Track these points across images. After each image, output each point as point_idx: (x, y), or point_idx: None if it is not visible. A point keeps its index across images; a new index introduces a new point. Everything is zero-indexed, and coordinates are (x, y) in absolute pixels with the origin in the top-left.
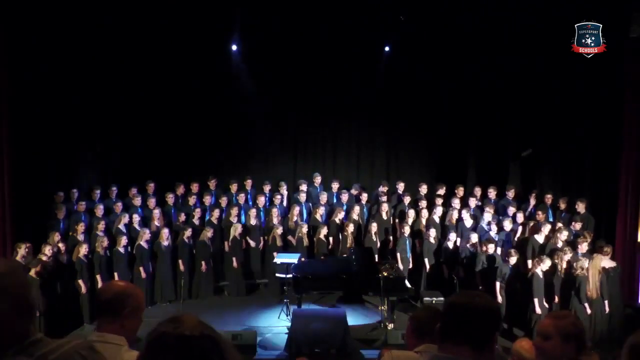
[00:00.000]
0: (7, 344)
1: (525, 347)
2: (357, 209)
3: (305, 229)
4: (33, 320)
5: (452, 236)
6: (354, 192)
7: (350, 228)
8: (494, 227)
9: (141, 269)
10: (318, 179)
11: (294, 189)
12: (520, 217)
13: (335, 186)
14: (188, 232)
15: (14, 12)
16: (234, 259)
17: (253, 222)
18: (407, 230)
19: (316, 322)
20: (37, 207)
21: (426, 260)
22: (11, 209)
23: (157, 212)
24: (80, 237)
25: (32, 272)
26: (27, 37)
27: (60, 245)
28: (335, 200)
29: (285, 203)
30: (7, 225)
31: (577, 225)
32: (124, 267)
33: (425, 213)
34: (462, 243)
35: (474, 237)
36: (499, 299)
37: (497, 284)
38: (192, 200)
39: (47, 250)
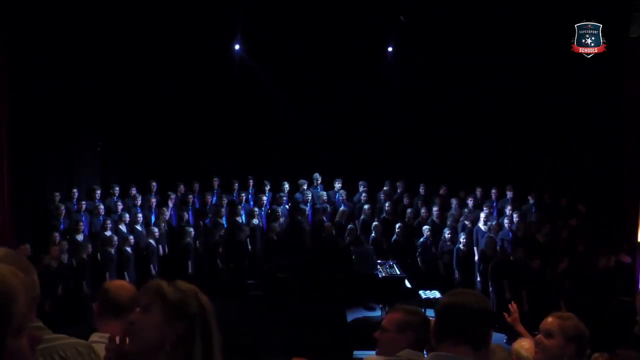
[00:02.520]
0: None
1: (525, 347)
2: (366, 208)
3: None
4: (34, 305)
5: (462, 237)
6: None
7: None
8: (493, 227)
9: (151, 267)
10: (319, 179)
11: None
12: (518, 217)
13: (337, 185)
14: (221, 231)
15: (15, 11)
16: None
17: (255, 221)
18: (426, 231)
19: (315, 323)
20: (37, 207)
21: (440, 261)
22: (11, 209)
23: (165, 211)
24: (80, 237)
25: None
26: (28, 36)
27: (64, 244)
28: (337, 200)
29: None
30: (7, 226)
31: (574, 221)
32: (132, 267)
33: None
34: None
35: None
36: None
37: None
38: (191, 199)
39: (53, 250)
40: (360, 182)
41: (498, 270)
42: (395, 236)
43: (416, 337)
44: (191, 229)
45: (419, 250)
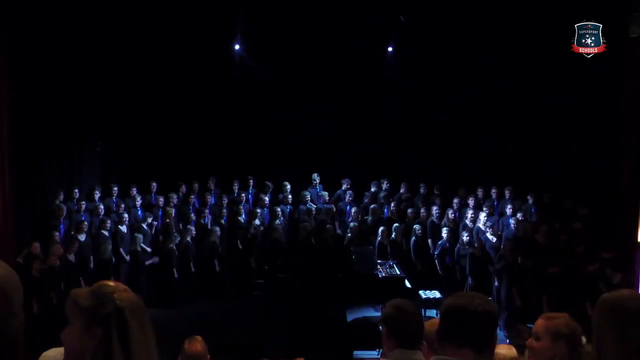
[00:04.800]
0: None
1: (506, 348)
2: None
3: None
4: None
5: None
6: None
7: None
8: (493, 228)
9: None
10: (317, 179)
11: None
12: (519, 217)
13: (344, 186)
14: (251, 231)
15: (15, 12)
16: None
17: (257, 222)
18: (445, 233)
19: (315, 323)
20: (38, 207)
21: (457, 266)
22: (11, 209)
23: (172, 211)
24: (82, 237)
25: (36, 272)
26: (28, 36)
27: (75, 245)
28: (341, 200)
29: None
30: (8, 226)
31: (577, 225)
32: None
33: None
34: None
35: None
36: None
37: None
38: (192, 200)
39: (55, 249)
40: (373, 182)
41: (509, 274)
42: (414, 237)
43: (392, 331)
44: (217, 228)
45: (436, 253)
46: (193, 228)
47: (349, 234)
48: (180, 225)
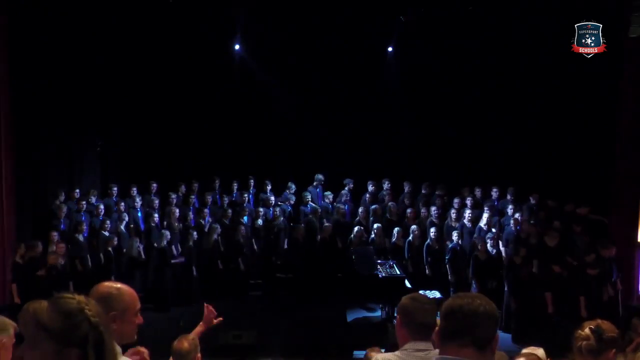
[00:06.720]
0: None
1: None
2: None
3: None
4: None
5: (477, 239)
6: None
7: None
8: (494, 229)
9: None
10: (321, 180)
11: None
12: (517, 218)
13: (347, 186)
14: (275, 230)
15: (15, 11)
16: None
17: (260, 222)
18: (456, 236)
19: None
20: (37, 207)
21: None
22: (11, 209)
23: (177, 211)
24: (81, 238)
25: (41, 272)
26: (29, 34)
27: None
28: (343, 199)
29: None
30: (7, 226)
31: (578, 229)
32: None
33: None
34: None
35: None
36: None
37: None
38: (192, 200)
39: (58, 249)
40: (370, 182)
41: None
42: (428, 240)
43: (405, 320)
44: (242, 227)
45: (447, 257)
46: (218, 226)
47: (373, 235)
48: (181, 225)
